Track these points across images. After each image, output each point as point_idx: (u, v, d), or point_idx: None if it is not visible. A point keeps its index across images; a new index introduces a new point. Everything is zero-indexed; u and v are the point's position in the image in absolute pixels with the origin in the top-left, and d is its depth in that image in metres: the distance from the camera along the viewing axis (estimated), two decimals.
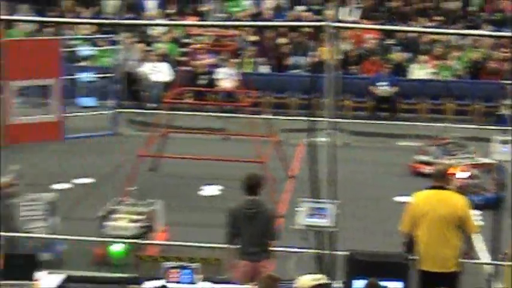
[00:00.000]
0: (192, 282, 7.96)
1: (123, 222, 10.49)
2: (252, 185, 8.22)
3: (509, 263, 8.13)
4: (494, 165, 12.58)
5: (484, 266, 9.76)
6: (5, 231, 10.03)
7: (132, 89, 19.11)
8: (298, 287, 6.67)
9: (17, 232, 10.18)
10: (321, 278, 6.68)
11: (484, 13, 22.90)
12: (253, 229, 8.11)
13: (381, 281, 6.69)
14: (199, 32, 15.08)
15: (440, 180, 8.30)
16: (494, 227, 8.78)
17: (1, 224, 10.05)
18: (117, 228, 10.36)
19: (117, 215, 10.66)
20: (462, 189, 12.14)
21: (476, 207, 11.22)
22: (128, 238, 10.27)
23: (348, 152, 15.35)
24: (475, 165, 12.94)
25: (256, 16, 22.62)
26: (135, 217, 10.65)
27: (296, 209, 8.80)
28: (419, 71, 20.40)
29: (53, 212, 10.50)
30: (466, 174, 12.76)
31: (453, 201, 8.24)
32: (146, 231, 10.62)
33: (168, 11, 22.95)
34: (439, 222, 8.08)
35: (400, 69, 20.57)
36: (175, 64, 20.27)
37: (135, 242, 10.26)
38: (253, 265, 8.11)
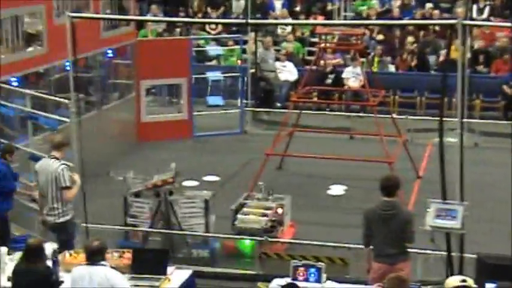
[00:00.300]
0: (319, 281, 8.00)
1: (254, 216, 10.65)
2: (390, 186, 8.13)
3: None
4: None
5: None
6: (165, 227, 10.41)
7: (261, 87, 19.30)
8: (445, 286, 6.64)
9: (178, 229, 10.53)
10: (468, 281, 6.60)
11: None
12: (389, 231, 8.01)
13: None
14: (326, 31, 15.06)
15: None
16: None
17: (162, 220, 10.43)
18: (248, 221, 10.52)
19: (248, 209, 10.84)
20: None
21: None
22: (258, 231, 10.40)
23: (478, 153, 15.04)
24: None
25: (383, 14, 22.45)
26: (264, 211, 10.81)
27: (425, 209, 8.68)
28: None
29: (209, 210, 10.77)
30: None
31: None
32: (275, 225, 10.75)
33: (295, 10, 23.10)
34: None
35: None
36: (301, 63, 20.38)
37: (265, 240, 10.38)
38: (390, 267, 8.01)
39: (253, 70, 18.94)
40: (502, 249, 9.61)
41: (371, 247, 8.18)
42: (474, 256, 8.26)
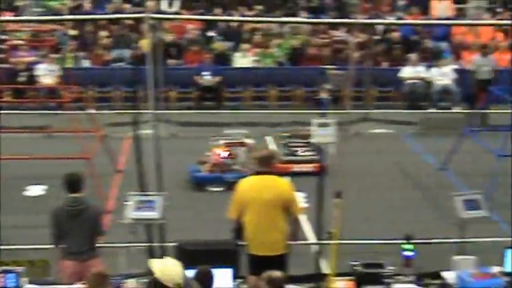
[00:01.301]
0: (17, 286, 7.72)
1: None
2: (74, 182, 8.07)
3: (334, 242, 8.41)
4: (250, 145, 13.55)
5: (311, 246, 10.08)
6: None
7: None
8: None
9: None
10: None
11: (302, 0, 23.57)
12: (79, 227, 7.96)
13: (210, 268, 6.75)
14: (15, 27, 14.58)
15: (265, 165, 8.44)
16: (318, 208, 9.06)
17: None
18: None
19: None
20: (217, 167, 13.26)
21: (228, 184, 12.20)
22: None
23: (175, 143, 15.40)
24: (233, 144, 13.58)
25: (75, 9, 22.18)
26: None
27: (124, 203, 8.72)
28: (242, 60, 20.71)
29: None
30: (225, 153, 13.44)
31: (278, 185, 8.41)
32: None
33: None
34: (266, 207, 8.21)
35: (223, 59, 20.81)
36: None
37: None
38: (81, 264, 7.97)
39: None
40: (206, 235, 10.00)
41: (63, 245, 8.08)
42: (174, 244, 8.44)
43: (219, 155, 13.40)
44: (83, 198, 8.06)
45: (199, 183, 13.27)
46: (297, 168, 13.60)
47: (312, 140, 8.80)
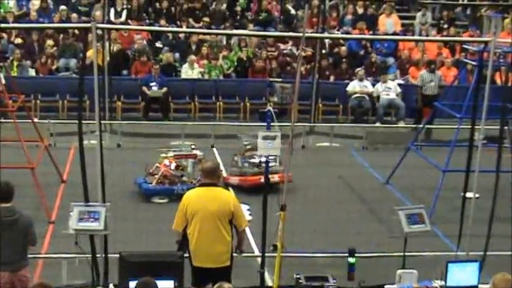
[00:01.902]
0: None
1: None
2: (6, 192, 8.00)
3: (278, 254, 8.48)
4: (199, 156, 13.52)
5: (255, 258, 10.13)
6: None
7: None
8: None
9: None
10: None
11: (250, 13, 23.72)
12: (12, 237, 7.87)
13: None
14: None
15: (211, 177, 8.48)
16: (263, 220, 9.11)
17: None
18: None
19: None
20: (166, 179, 13.23)
21: (177, 196, 12.23)
22: None
23: (121, 154, 15.36)
24: (182, 156, 13.56)
25: (21, 17, 21.99)
26: None
27: (69, 213, 8.66)
28: (189, 71, 20.73)
29: None
30: (173, 165, 13.42)
31: (224, 197, 8.45)
32: None
33: None
34: (211, 219, 8.24)
35: (170, 70, 20.82)
36: None
37: None
38: (13, 274, 7.91)
39: None
40: (150, 247, 10.00)
41: None
42: (117, 255, 8.41)
43: (168, 166, 13.36)
44: (14, 207, 8.00)
45: (148, 195, 13.22)
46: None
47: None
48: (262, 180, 13.07)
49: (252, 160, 13.94)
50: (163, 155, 13.65)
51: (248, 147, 13.96)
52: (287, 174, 8.68)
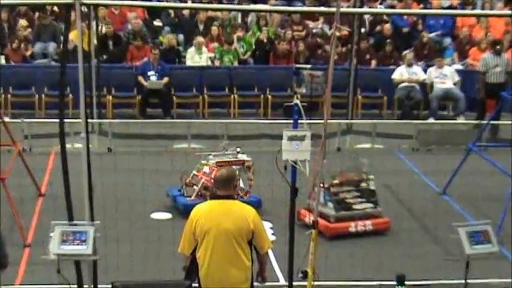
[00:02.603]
0: None
1: None
2: None
3: (309, 283, 8.48)
4: (247, 163, 13.47)
5: None
6: None
7: None
8: None
9: None
10: None
11: None
12: None
13: None
14: None
15: (226, 188, 8.46)
16: (290, 241, 9.12)
17: None
18: None
19: None
20: (207, 190, 13.11)
21: None
22: None
23: (112, 160, 15.39)
24: (226, 163, 13.38)
25: None
26: None
27: (50, 234, 8.72)
28: (196, 57, 20.78)
29: None
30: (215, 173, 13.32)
31: (242, 212, 8.41)
32: None
33: None
34: (226, 239, 8.21)
35: (172, 55, 20.87)
36: None
37: None
38: None
39: None
40: (147, 274, 10.03)
41: None
42: (109, 286, 8.44)
43: (209, 175, 13.31)
44: None
45: (187, 211, 13.12)
46: (355, 227, 12.79)
47: (283, 158, 8.84)
48: (351, 228, 12.80)
49: (342, 196, 13.14)
50: (204, 161, 13.64)
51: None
52: (318, 185, 8.65)
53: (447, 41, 22.38)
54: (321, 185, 11.68)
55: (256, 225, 8.37)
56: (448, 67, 20.45)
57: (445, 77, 20.10)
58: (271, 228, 11.92)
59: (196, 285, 8.38)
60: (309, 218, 11.72)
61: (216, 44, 21.23)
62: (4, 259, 8.21)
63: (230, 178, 8.54)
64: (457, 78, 20.21)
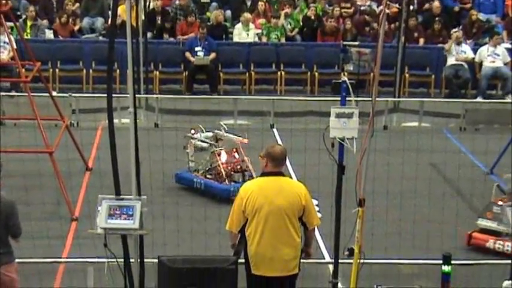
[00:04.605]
0: None
1: None
2: None
3: (355, 261, 8.47)
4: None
5: (326, 265, 10.14)
6: None
7: None
8: None
9: None
10: None
11: None
12: None
13: None
14: None
15: (279, 165, 8.44)
16: (336, 219, 9.10)
17: None
18: None
19: None
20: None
21: None
22: None
23: (159, 135, 15.43)
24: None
25: None
26: None
27: (97, 208, 8.77)
28: (244, 33, 20.75)
29: None
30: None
31: (293, 188, 8.40)
32: None
33: None
34: (279, 216, 8.19)
35: (219, 31, 20.86)
36: None
37: None
38: None
39: None
40: (195, 250, 10.06)
41: None
42: (155, 260, 8.49)
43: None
44: None
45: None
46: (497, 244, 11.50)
47: (331, 135, 8.79)
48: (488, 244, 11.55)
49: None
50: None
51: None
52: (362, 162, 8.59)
53: (495, 19, 22.16)
54: None
55: (307, 201, 8.37)
56: (498, 46, 20.23)
57: (496, 56, 19.90)
58: (317, 205, 11.92)
59: (242, 260, 8.41)
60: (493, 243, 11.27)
61: (262, 20, 21.18)
62: (14, 228, 8.27)
63: (284, 155, 8.52)
64: (508, 58, 20.00)
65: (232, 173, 13.28)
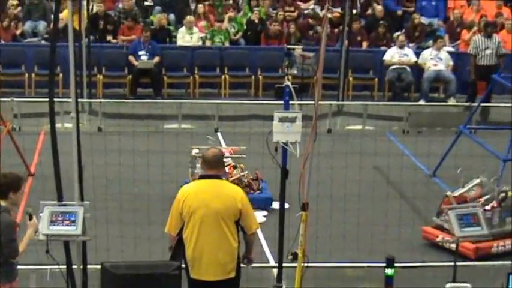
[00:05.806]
0: None
1: None
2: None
3: (298, 265, 8.47)
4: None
5: (270, 269, 10.13)
6: None
7: None
8: None
9: None
10: None
11: None
12: None
13: None
14: None
15: (214, 167, 8.42)
16: (280, 223, 9.11)
17: None
18: None
19: None
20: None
21: None
22: None
23: (102, 140, 15.34)
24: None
25: None
26: None
27: (39, 215, 8.68)
28: (187, 36, 20.72)
29: None
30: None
31: (229, 192, 8.39)
32: None
33: None
34: (213, 219, 8.18)
35: (163, 35, 20.81)
36: None
37: None
38: None
39: None
40: (135, 255, 9.99)
41: None
42: (98, 266, 8.43)
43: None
44: None
45: None
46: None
47: (274, 139, 8.80)
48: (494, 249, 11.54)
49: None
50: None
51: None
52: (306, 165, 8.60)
53: (438, 23, 22.36)
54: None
55: (244, 205, 8.35)
56: (440, 50, 20.40)
57: (439, 60, 20.06)
58: (264, 216, 11.96)
59: (182, 265, 8.39)
60: (442, 239, 11.45)
61: (204, 22, 21.16)
62: (7, 250, 8.14)
63: (218, 157, 8.52)
64: (451, 62, 20.17)
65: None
